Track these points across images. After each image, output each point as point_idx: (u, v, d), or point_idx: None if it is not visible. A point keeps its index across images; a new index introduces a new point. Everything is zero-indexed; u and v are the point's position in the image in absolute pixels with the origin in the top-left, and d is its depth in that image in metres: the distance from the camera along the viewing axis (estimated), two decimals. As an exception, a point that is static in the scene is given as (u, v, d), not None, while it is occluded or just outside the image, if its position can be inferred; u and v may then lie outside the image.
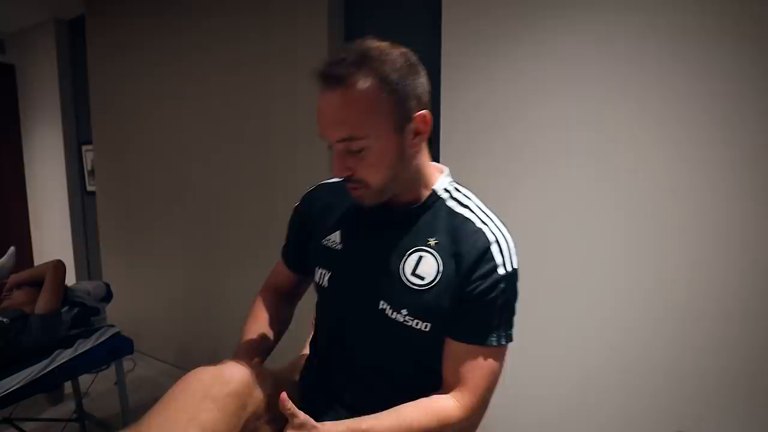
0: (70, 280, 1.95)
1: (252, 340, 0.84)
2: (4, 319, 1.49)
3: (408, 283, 0.72)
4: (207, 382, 0.63)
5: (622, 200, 1.27)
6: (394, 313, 0.73)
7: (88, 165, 3.13)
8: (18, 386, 1.43)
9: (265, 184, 2.08)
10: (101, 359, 1.75)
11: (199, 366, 0.68)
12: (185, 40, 2.30)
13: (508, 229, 0.76)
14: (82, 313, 1.74)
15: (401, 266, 0.73)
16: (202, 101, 2.28)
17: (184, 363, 2.57)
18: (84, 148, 3.12)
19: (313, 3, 1.82)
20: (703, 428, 1.21)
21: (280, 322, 0.92)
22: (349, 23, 1.85)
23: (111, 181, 2.90)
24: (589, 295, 1.34)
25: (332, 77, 0.64)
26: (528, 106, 1.39)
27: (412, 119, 0.68)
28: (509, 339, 0.74)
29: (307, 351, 0.96)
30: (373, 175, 0.69)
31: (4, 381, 1.40)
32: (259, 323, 0.88)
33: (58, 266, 1.67)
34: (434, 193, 0.77)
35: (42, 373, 1.50)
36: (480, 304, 0.71)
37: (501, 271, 0.71)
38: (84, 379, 2.01)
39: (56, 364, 1.55)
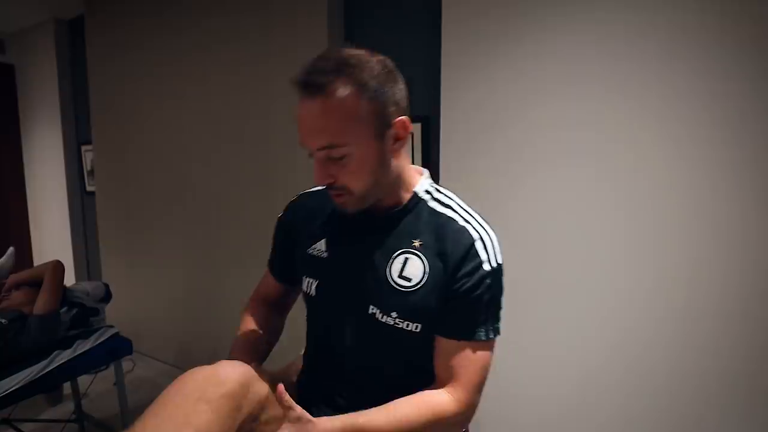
0: (70, 280, 1.95)
1: (243, 353, 0.84)
2: (3, 320, 1.49)
3: (396, 286, 0.73)
4: (201, 383, 0.63)
5: (622, 200, 1.27)
6: (384, 317, 0.73)
7: (87, 165, 3.12)
8: (17, 387, 1.42)
9: (265, 184, 2.08)
10: (100, 360, 1.74)
11: (198, 366, 0.67)
12: (185, 40, 2.30)
13: (490, 226, 0.77)
14: (81, 313, 1.74)
15: (388, 269, 0.74)
16: (202, 101, 2.28)
17: (184, 363, 2.56)
18: (83, 148, 3.12)
19: (313, 3, 1.82)
20: (703, 428, 1.20)
21: (270, 332, 0.92)
22: (349, 23, 1.85)
23: (111, 181, 2.89)
24: (589, 295, 1.34)
25: (312, 86, 0.65)
26: (528, 106, 1.39)
27: (392, 125, 0.69)
28: (497, 332, 0.75)
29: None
30: (356, 181, 0.69)
31: (3, 382, 1.40)
32: (249, 335, 0.88)
33: (57, 267, 1.67)
34: (416, 195, 0.78)
35: (41, 373, 1.50)
36: (467, 301, 0.72)
37: (486, 267, 0.72)
38: (83, 380, 2.01)
39: (55, 365, 1.55)
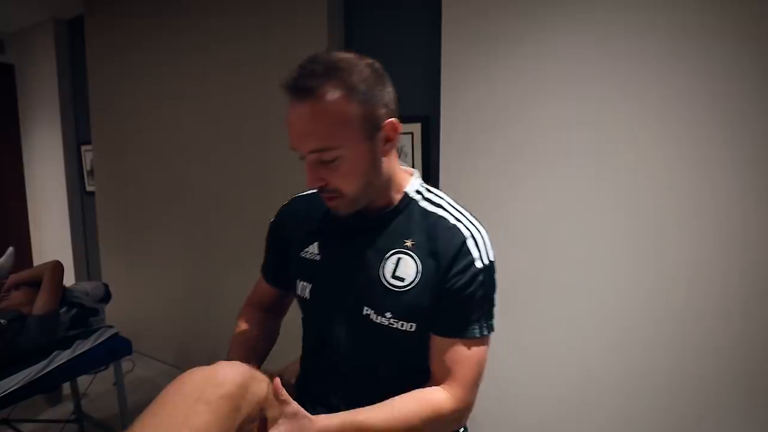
0: (69, 280, 1.95)
1: (241, 355, 0.84)
2: (2, 320, 1.49)
3: (389, 286, 0.73)
4: (200, 384, 0.62)
5: (622, 200, 1.27)
6: (379, 317, 0.74)
7: (87, 165, 3.12)
8: (16, 387, 1.42)
9: (265, 184, 2.08)
10: (100, 360, 1.74)
11: (197, 366, 0.67)
12: (184, 40, 2.30)
13: (481, 224, 0.78)
14: (80, 313, 1.73)
15: (381, 270, 0.74)
16: (202, 101, 2.28)
17: (184, 363, 2.56)
18: (83, 148, 3.12)
19: (313, 3, 1.81)
20: (703, 428, 1.20)
21: (267, 335, 0.92)
22: (349, 23, 1.85)
23: (110, 181, 2.89)
24: (589, 295, 1.34)
25: (301, 89, 0.66)
26: (528, 106, 1.39)
27: (381, 127, 0.70)
28: (491, 329, 0.76)
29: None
30: (348, 183, 0.70)
31: (2, 382, 1.40)
32: (246, 339, 0.88)
33: (57, 267, 1.67)
34: (407, 195, 0.78)
35: (40, 374, 1.49)
36: (460, 299, 0.73)
37: (478, 264, 0.73)
38: (82, 380, 2.00)
39: (54, 365, 1.54)
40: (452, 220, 0.75)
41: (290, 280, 0.86)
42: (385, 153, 0.73)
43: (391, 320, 0.73)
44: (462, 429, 0.87)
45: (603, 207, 1.30)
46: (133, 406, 1.89)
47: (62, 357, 1.58)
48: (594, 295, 1.33)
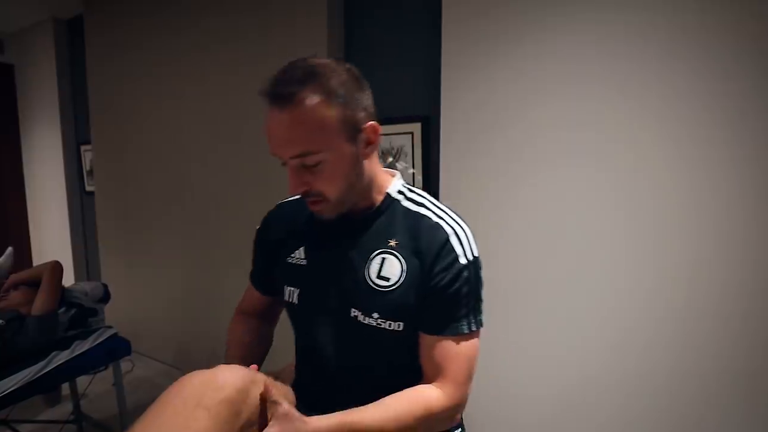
0: (69, 280, 1.95)
1: (239, 358, 0.84)
2: (1, 320, 1.48)
3: (375, 287, 0.74)
4: (200, 388, 0.62)
5: (622, 200, 1.27)
6: (366, 318, 0.74)
7: (86, 165, 3.12)
8: (15, 388, 1.42)
9: (264, 184, 2.08)
10: (99, 360, 1.74)
11: (197, 368, 0.67)
12: (184, 40, 2.30)
13: (464, 221, 0.79)
14: (79, 314, 1.73)
15: (366, 271, 0.75)
16: (201, 101, 2.28)
17: (183, 364, 2.56)
18: (83, 148, 3.11)
19: (313, 3, 1.81)
20: (703, 428, 1.20)
21: (261, 340, 0.92)
22: (349, 23, 1.85)
23: (110, 181, 2.89)
24: (589, 295, 1.34)
25: (280, 96, 0.66)
26: (528, 106, 1.39)
27: (362, 130, 0.71)
28: (480, 324, 0.76)
29: None
30: (331, 187, 0.71)
31: (0, 382, 1.39)
32: (241, 343, 0.89)
33: (56, 267, 1.66)
34: (389, 196, 0.79)
35: (39, 374, 1.49)
36: (446, 296, 0.73)
37: (462, 260, 0.74)
38: (81, 381, 2.00)
39: (53, 366, 1.54)
40: (435, 219, 0.76)
41: (279, 287, 0.86)
42: (366, 156, 0.74)
43: (379, 320, 0.74)
44: (459, 429, 0.87)
45: (603, 207, 1.30)
46: (132, 407, 1.88)
47: (61, 357, 1.57)
48: (594, 295, 1.33)
